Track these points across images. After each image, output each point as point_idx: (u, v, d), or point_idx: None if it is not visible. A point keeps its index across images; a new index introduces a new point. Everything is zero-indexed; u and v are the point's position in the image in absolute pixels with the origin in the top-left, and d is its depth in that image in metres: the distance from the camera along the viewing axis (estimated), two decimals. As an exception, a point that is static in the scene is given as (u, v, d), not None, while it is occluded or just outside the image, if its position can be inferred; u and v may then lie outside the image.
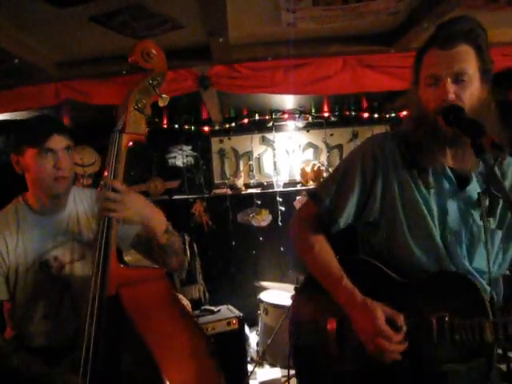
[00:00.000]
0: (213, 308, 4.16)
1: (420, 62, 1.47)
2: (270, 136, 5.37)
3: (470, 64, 1.38)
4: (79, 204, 1.93)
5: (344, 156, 5.47)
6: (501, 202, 1.46)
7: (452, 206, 1.45)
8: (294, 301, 1.81)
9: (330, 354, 1.50)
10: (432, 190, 1.46)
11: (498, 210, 1.47)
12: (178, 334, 1.45)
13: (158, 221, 1.68)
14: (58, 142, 1.76)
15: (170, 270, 1.87)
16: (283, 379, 3.90)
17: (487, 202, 1.39)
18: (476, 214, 1.45)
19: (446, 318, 1.31)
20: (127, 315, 1.38)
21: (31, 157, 1.74)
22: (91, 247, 1.85)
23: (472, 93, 1.38)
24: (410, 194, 1.47)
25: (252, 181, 5.41)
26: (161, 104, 1.60)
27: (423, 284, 1.42)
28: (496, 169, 1.49)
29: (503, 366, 1.31)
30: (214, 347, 1.49)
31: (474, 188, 1.46)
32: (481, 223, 1.43)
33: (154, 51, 1.57)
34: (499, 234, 1.47)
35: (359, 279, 1.46)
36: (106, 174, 1.52)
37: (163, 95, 1.59)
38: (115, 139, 1.52)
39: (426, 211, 1.45)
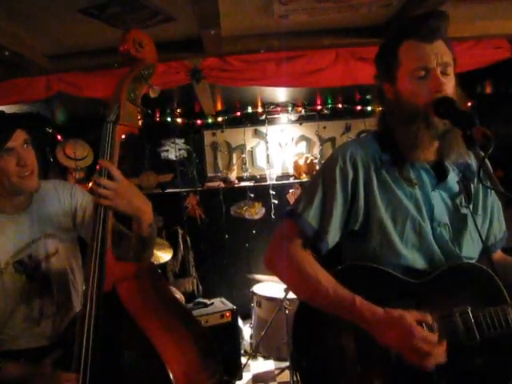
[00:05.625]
0: (206, 301, 4.17)
1: (395, 56, 1.43)
2: (262, 129, 5.37)
3: (450, 57, 1.39)
4: (47, 198, 1.84)
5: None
6: (473, 188, 1.49)
7: (436, 199, 1.45)
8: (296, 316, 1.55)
9: (349, 373, 1.39)
10: (416, 186, 1.44)
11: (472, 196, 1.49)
12: (175, 324, 1.45)
13: (148, 213, 1.58)
14: (16, 138, 1.65)
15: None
16: (276, 371, 3.92)
17: (465, 190, 1.44)
18: (457, 203, 1.46)
19: (469, 311, 1.29)
20: (126, 311, 1.36)
21: None
22: (63, 241, 1.83)
23: (452, 85, 1.39)
24: (392, 195, 1.44)
25: (245, 174, 5.41)
26: (152, 95, 1.55)
27: (434, 282, 1.38)
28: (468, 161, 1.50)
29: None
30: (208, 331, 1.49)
31: (452, 178, 1.47)
32: (463, 211, 1.45)
33: (145, 41, 1.52)
34: (480, 219, 1.49)
35: (363, 287, 1.36)
36: (98, 167, 1.48)
37: (154, 86, 1.55)
38: (108, 131, 1.46)
39: (412, 209, 1.42)
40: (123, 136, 1.51)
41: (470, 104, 4.13)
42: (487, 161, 1.24)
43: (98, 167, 1.46)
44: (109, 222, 1.43)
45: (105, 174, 1.43)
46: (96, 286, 1.37)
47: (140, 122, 1.54)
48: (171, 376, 1.26)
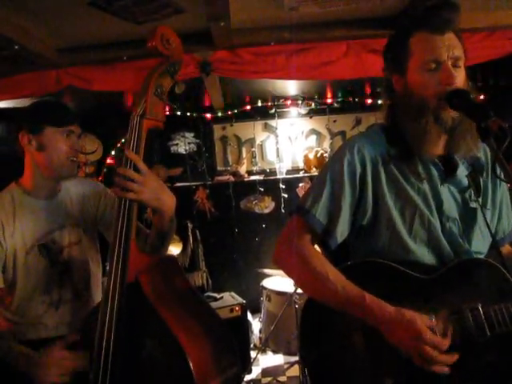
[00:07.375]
0: (216, 295, 4.17)
1: (406, 47, 1.41)
2: (272, 123, 5.35)
3: (461, 50, 1.37)
4: (73, 190, 1.94)
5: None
6: (482, 182, 1.47)
7: (445, 193, 1.43)
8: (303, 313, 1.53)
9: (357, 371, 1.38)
10: (425, 181, 1.42)
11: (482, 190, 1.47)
12: (195, 316, 1.46)
13: (171, 208, 1.61)
14: (77, 127, 1.87)
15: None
16: (286, 366, 3.92)
17: (474, 183, 1.43)
18: (466, 197, 1.44)
19: (480, 307, 1.27)
20: (148, 302, 1.37)
21: (50, 135, 1.77)
22: (85, 233, 1.92)
23: (463, 78, 1.37)
24: (401, 190, 1.42)
25: (255, 168, 5.40)
26: (178, 91, 1.56)
27: (444, 277, 1.36)
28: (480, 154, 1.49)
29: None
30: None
31: (461, 172, 1.45)
32: (472, 205, 1.44)
33: (172, 38, 1.55)
34: (489, 213, 1.47)
35: (372, 283, 1.34)
36: (124, 159, 1.47)
37: (180, 83, 1.55)
38: (135, 124, 1.48)
39: (421, 203, 1.41)
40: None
41: (482, 97, 4.08)
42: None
43: (125, 156, 1.45)
44: (134, 214, 1.43)
45: (130, 165, 1.43)
46: (119, 277, 1.38)
47: (164, 116, 1.57)
48: (191, 365, 1.27)
